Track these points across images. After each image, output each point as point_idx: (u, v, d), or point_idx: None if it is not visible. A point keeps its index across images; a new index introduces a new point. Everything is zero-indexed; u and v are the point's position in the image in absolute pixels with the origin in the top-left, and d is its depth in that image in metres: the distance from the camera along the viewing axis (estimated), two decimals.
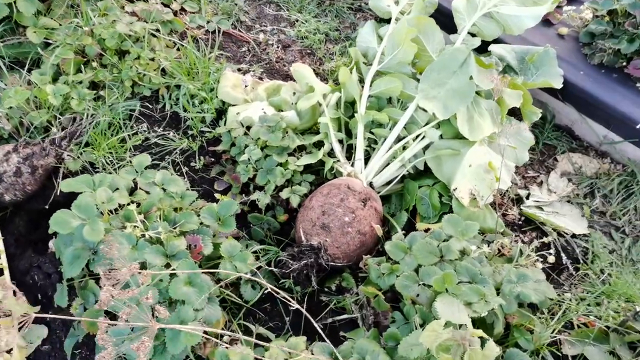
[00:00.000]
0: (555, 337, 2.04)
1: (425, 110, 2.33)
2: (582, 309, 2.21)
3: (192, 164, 2.56)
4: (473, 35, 2.47)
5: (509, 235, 2.32)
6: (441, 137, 2.37)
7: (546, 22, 2.97)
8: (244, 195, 2.42)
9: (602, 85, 2.68)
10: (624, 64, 2.72)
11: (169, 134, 2.62)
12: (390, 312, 2.03)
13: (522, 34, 2.88)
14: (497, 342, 1.97)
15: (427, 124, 2.36)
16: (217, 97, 2.63)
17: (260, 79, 2.87)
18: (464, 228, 2.03)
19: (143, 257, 1.89)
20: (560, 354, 2.02)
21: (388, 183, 2.41)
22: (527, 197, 2.62)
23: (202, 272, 1.91)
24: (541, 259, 2.27)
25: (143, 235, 1.97)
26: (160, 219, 2.07)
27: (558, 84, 2.58)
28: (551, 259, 2.13)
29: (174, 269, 1.88)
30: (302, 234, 2.14)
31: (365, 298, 2.12)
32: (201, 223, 2.09)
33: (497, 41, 2.72)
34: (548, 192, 2.68)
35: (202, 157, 2.57)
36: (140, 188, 2.20)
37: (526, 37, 2.87)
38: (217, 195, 2.23)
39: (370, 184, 2.33)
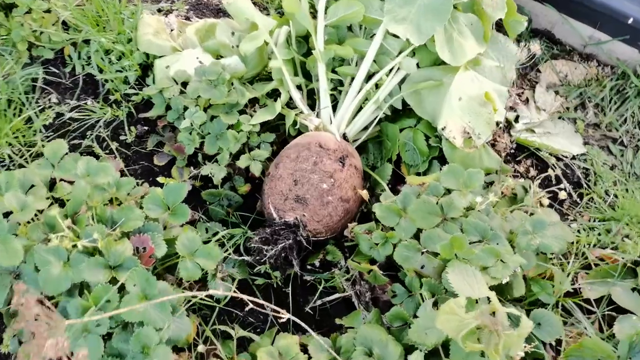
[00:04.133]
0: (575, 282, 1.81)
1: (396, 36, 1.92)
2: (594, 241, 1.97)
3: (122, 137, 2.07)
4: None
5: (507, 172, 2.00)
6: (418, 66, 1.98)
7: None
8: (192, 167, 1.99)
9: None
10: None
11: (86, 103, 2.11)
12: (389, 285, 1.73)
13: None
14: (515, 301, 1.72)
15: (400, 52, 1.95)
16: (137, 49, 2.11)
17: (187, 18, 2.36)
18: (467, 178, 1.69)
19: (81, 277, 1.49)
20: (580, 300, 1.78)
21: (362, 130, 2.02)
22: (516, 120, 2.30)
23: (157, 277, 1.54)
24: (547, 194, 1.99)
25: (75, 246, 1.55)
26: (93, 220, 1.63)
27: None
28: (562, 194, 1.85)
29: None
30: (273, 211, 1.76)
31: (357, 272, 1.80)
32: (146, 217, 1.66)
33: None
34: (537, 109, 2.37)
35: (132, 127, 2.09)
36: (61, 179, 1.74)
37: None
38: (160, 179, 1.79)
39: (344, 136, 1.94)
